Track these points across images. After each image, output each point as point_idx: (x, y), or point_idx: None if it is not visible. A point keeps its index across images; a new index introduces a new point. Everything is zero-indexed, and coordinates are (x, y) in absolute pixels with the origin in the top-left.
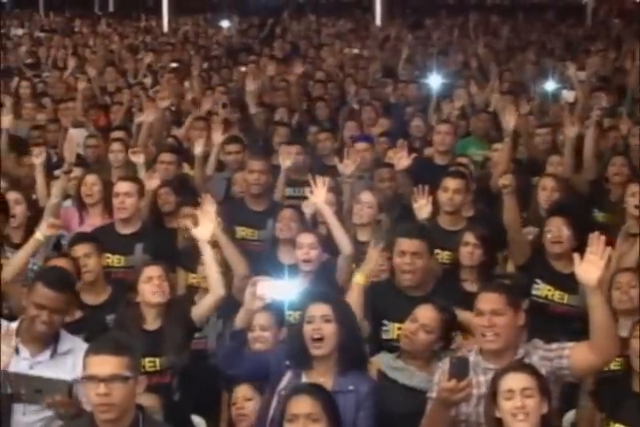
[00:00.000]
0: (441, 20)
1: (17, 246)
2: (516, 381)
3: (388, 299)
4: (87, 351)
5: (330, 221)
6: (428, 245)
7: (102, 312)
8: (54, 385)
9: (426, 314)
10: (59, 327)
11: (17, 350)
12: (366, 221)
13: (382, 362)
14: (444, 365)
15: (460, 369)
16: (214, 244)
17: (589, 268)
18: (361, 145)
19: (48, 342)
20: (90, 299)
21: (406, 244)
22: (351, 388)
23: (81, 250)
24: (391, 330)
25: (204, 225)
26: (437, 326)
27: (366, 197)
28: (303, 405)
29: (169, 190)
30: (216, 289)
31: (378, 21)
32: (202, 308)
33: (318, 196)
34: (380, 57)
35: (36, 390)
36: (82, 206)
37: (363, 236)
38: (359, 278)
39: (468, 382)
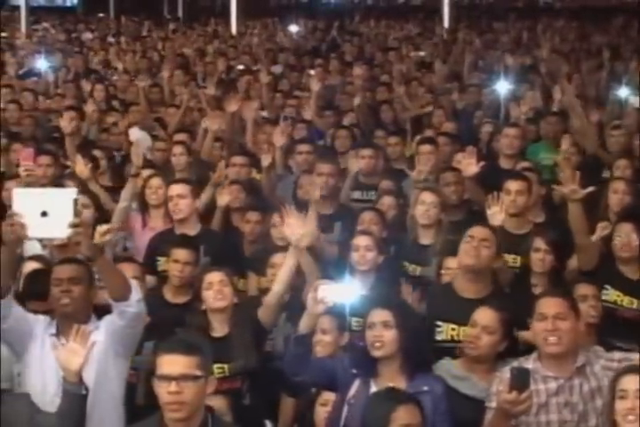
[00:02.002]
0: (509, 23)
1: None
2: (631, 382)
3: (444, 300)
4: (159, 350)
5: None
6: (496, 240)
7: (184, 312)
8: None
9: (485, 316)
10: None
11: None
12: (432, 222)
13: (443, 369)
14: (502, 374)
15: (521, 380)
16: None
17: None
18: (425, 148)
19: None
20: (173, 298)
21: (478, 230)
22: (426, 388)
23: (181, 254)
24: (445, 331)
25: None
26: (498, 327)
27: (429, 196)
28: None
29: (239, 188)
30: (279, 285)
31: (445, 25)
32: (266, 307)
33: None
34: (446, 61)
35: None
36: (145, 209)
37: (425, 239)
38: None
39: (529, 394)
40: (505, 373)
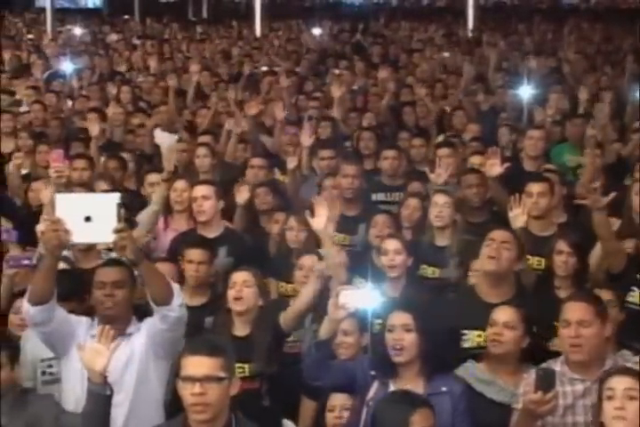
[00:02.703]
0: (533, 25)
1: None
2: (620, 382)
3: (468, 307)
4: (183, 352)
5: (328, 248)
6: (518, 242)
7: (201, 314)
8: None
9: (504, 313)
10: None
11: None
12: (446, 223)
13: (468, 373)
14: (529, 376)
15: (547, 381)
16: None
17: None
18: (444, 151)
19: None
20: (190, 300)
21: (498, 233)
22: (444, 389)
23: (194, 254)
24: (471, 338)
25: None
26: (519, 322)
27: (441, 198)
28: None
29: (267, 190)
30: (305, 298)
31: (470, 27)
32: (290, 312)
33: (318, 223)
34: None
35: None
36: (167, 211)
37: (441, 240)
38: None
39: (554, 395)
40: (531, 375)
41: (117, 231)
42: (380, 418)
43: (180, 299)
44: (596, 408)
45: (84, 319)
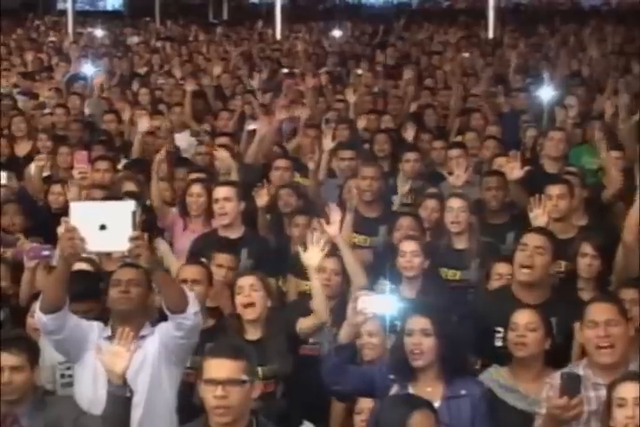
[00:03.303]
0: (554, 26)
1: None
2: (629, 390)
3: (503, 306)
4: (206, 354)
5: (345, 253)
6: (552, 244)
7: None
8: None
9: (525, 316)
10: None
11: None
12: (462, 228)
13: (490, 379)
14: (552, 380)
15: (572, 386)
16: (332, 253)
17: None
18: (455, 152)
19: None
20: (212, 303)
21: (531, 238)
22: (464, 392)
23: (224, 259)
24: (504, 336)
25: (313, 251)
26: (540, 323)
27: (456, 202)
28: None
29: (290, 191)
30: (320, 315)
31: (490, 28)
32: (306, 325)
33: (332, 229)
34: (491, 64)
35: None
36: (185, 212)
37: (459, 243)
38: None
39: (580, 400)
40: (555, 379)
41: (132, 239)
42: (380, 419)
43: (196, 307)
44: (604, 414)
45: (96, 324)
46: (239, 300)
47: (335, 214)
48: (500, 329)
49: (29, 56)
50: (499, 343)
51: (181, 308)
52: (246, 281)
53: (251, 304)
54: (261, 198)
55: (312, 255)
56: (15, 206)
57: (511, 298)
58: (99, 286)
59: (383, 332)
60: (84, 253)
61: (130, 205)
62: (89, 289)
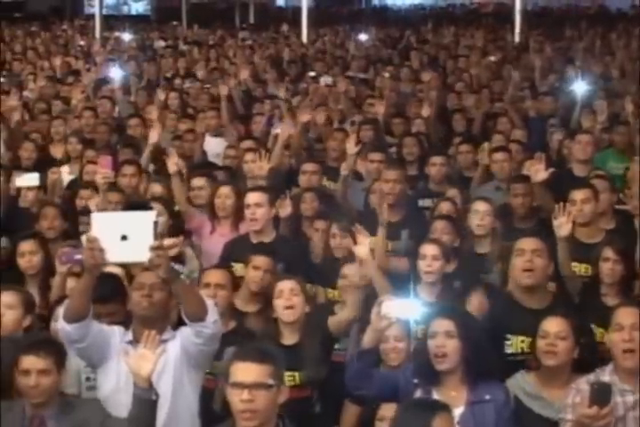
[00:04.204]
0: (581, 30)
1: None
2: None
3: (509, 312)
4: (233, 358)
5: (374, 276)
6: (547, 246)
7: (254, 320)
8: None
9: (555, 324)
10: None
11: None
12: (486, 232)
13: (517, 386)
14: (578, 386)
15: (603, 396)
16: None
17: None
18: (500, 155)
19: None
20: (245, 306)
21: (526, 242)
22: (488, 397)
23: (261, 261)
24: (514, 344)
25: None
26: (570, 331)
27: (483, 206)
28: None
29: (314, 196)
30: (352, 309)
31: (516, 32)
32: (337, 320)
33: (362, 251)
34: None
35: None
36: (213, 216)
37: (481, 247)
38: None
39: (610, 409)
40: (581, 384)
41: (153, 249)
42: (401, 423)
43: (215, 315)
44: None
45: (116, 328)
46: (279, 303)
47: (362, 236)
48: (510, 336)
49: (57, 60)
50: (508, 351)
51: (200, 316)
52: (287, 285)
53: (290, 307)
54: (284, 209)
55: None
56: (54, 210)
57: (514, 304)
58: (123, 288)
59: (408, 336)
60: (106, 263)
61: (151, 216)
62: (113, 291)
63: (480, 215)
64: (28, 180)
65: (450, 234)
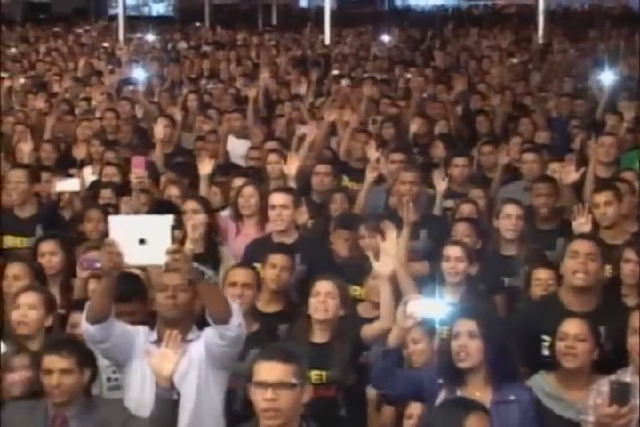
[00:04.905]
0: (605, 31)
1: (198, 256)
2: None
3: (550, 314)
4: (257, 357)
5: (400, 275)
6: (600, 250)
7: (276, 321)
8: None
9: (574, 326)
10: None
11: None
12: (517, 236)
13: (537, 387)
14: (600, 387)
15: (622, 394)
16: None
17: None
18: (530, 156)
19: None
20: (266, 307)
21: (581, 245)
22: (512, 398)
23: (278, 259)
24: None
25: (385, 260)
26: (589, 333)
27: (513, 209)
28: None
29: (344, 197)
30: (386, 320)
31: (540, 33)
32: (371, 331)
33: (389, 247)
34: (541, 69)
35: None
36: (238, 217)
37: (508, 250)
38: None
39: (630, 408)
40: (602, 385)
41: (170, 253)
42: (436, 423)
43: (239, 318)
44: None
45: (141, 328)
46: (313, 302)
47: (391, 233)
48: (547, 338)
49: (81, 61)
50: (546, 352)
51: (225, 319)
52: (324, 287)
53: (324, 310)
54: (302, 217)
55: (385, 263)
56: (99, 213)
57: (559, 306)
58: (144, 287)
59: (429, 336)
60: (124, 266)
61: (168, 220)
62: (134, 290)
63: (512, 219)
64: (68, 185)
65: (471, 236)
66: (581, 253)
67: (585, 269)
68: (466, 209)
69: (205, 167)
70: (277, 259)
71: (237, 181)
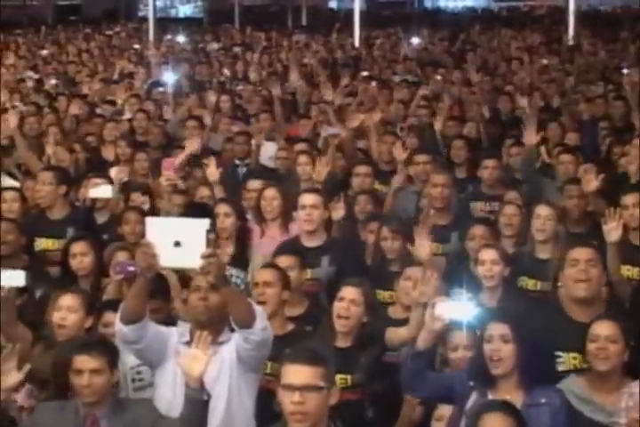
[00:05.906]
0: (635, 32)
1: (230, 259)
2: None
3: (559, 327)
4: (284, 360)
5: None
6: (600, 256)
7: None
8: None
9: (605, 327)
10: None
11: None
12: (548, 236)
13: (567, 390)
14: (631, 389)
15: None
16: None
17: None
18: (567, 157)
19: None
20: (288, 311)
21: (580, 252)
22: (544, 401)
23: (285, 262)
24: (567, 361)
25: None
26: (621, 335)
27: (544, 210)
28: (496, 421)
29: (368, 198)
30: (415, 327)
31: (570, 34)
32: (397, 336)
33: (423, 252)
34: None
35: None
36: (261, 219)
37: (543, 253)
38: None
39: None
40: (634, 388)
41: (205, 257)
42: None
43: (264, 322)
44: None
45: (174, 329)
46: (336, 308)
47: (423, 238)
48: (561, 354)
49: (116, 63)
50: (560, 368)
51: (248, 323)
52: (349, 294)
53: (345, 318)
54: (338, 212)
55: (422, 294)
56: (137, 215)
57: (564, 319)
58: (167, 285)
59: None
60: (158, 268)
61: (204, 223)
62: (157, 288)
63: (541, 220)
64: (102, 191)
65: (488, 239)
66: (582, 261)
67: (587, 277)
68: (509, 210)
69: (193, 145)
70: (282, 260)
71: (252, 184)
